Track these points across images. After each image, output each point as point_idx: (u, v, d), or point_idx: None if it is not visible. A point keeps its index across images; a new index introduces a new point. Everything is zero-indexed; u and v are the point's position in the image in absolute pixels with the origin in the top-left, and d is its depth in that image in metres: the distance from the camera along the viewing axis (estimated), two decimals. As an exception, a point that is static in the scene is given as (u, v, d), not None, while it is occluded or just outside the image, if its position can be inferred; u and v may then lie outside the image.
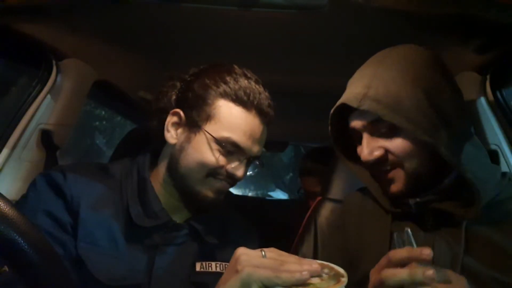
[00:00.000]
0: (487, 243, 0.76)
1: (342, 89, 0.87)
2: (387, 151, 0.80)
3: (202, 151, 0.88)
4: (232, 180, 0.91)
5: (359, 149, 0.85)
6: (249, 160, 0.92)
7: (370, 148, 0.81)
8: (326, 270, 0.65)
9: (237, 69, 0.92)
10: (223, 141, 0.87)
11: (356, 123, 0.83)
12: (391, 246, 0.83)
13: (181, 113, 0.91)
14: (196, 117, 0.89)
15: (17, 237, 0.51)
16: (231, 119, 0.88)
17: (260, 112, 0.90)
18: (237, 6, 0.92)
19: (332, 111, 0.86)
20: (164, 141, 0.93)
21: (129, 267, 0.84)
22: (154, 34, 1.13)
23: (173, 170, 0.91)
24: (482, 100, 1.17)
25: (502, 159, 1.15)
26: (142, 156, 0.97)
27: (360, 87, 0.80)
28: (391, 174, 0.82)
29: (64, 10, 1.00)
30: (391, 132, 0.79)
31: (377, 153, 0.80)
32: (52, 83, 1.20)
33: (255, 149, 0.91)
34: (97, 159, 8.68)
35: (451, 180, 0.81)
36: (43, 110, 1.20)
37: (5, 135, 1.15)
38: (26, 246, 0.52)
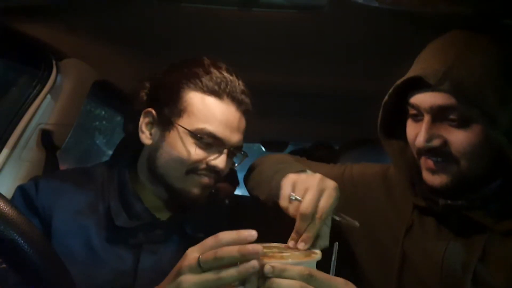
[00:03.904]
0: (508, 257, 0.71)
1: (342, 89, 0.87)
2: (446, 142, 0.71)
3: (178, 147, 0.85)
4: (215, 174, 0.89)
5: (411, 130, 0.77)
6: (230, 151, 0.89)
7: (429, 134, 0.72)
8: (302, 251, 0.66)
9: (206, 60, 0.90)
10: (198, 133, 0.84)
11: (422, 102, 0.73)
12: (405, 236, 0.80)
13: (153, 112, 0.90)
14: (168, 114, 0.87)
15: (17, 237, 0.51)
16: (204, 109, 0.85)
17: (234, 99, 0.88)
18: (237, 6, 0.92)
19: (399, 82, 0.76)
20: (142, 143, 0.92)
21: (113, 270, 0.84)
22: (154, 34, 1.13)
23: (152, 170, 0.90)
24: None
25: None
26: (122, 159, 0.97)
27: (439, 64, 0.70)
28: (439, 166, 0.73)
29: (64, 10, 1.00)
30: (460, 122, 0.70)
31: (436, 142, 0.72)
32: (52, 83, 1.20)
33: (234, 138, 0.88)
34: (97, 159, 8.68)
35: (492, 188, 0.74)
36: (43, 110, 1.19)
37: (5, 135, 1.15)
38: (26, 246, 0.52)
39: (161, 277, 0.79)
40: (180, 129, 0.86)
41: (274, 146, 2.79)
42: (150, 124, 0.91)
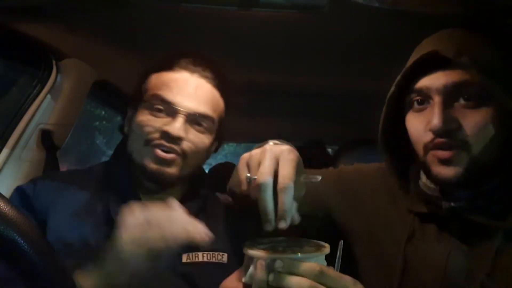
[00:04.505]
0: None
1: (342, 89, 0.86)
2: (461, 126, 0.68)
3: (137, 121, 0.89)
4: (172, 143, 0.86)
5: (416, 122, 0.74)
6: (188, 118, 0.87)
7: (445, 116, 0.68)
8: (310, 244, 0.65)
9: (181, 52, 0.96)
10: (148, 100, 0.89)
11: (433, 82, 0.70)
12: (406, 247, 0.78)
13: (132, 105, 0.96)
14: (135, 98, 0.94)
15: (17, 237, 0.51)
16: (157, 81, 0.91)
17: (186, 68, 0.91)
18: (237, 6, 0.92)
19: (410, 63, 0.73)
20: None
21: None
22: (154, 34, 1.13)
23: (128, 154, 0.92)
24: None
25: None
26: (121, 157, 0.98)
27: (452, 42, 0.69)
28: (450, 155, 0.69)
29: (64, 10, 1.00)
30: (475, 99, 0.68)
31: (453, 125, 0.68)
32: (52, 83, 1.20)
33: (189, 103, 0.88)
34: (97, 159, 8.69)
35: (494, 186, 0.72)
36: (43, 110, 1.19)
37: (5, 135, 1.15)
38: (26, 246, 0.52)
39: (157, 272, 0.79)
40: (140, 106, 0.90)
41: (274, 146, 2.77)
42: (130, 117, 0.96)
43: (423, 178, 0.81)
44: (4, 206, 0.52)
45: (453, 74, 0.68)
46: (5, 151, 1.14)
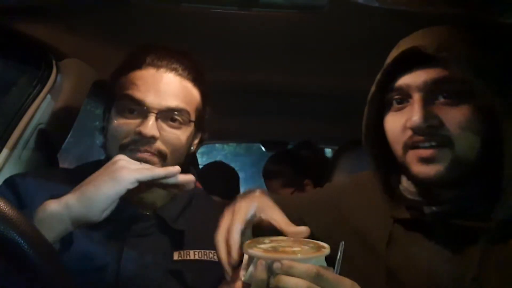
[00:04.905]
0: (507, 269, 0.65)
1: (342, 89, 0.87)
2: (442, 123, 0.67)
3: (111, 124, 0.87)
4: (147, 145, 0.84)
5: (395, 121, 0.73)
6: (160, 115, 0.85)
7: (425, 113, 0.67)
8: (311, 245, 0.65)
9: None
10: (119, 100, 0.87)
11: (413, 80, 0.70)
12: (387, 251, 0.75)
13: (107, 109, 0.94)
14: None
15: (17, 237, 0.51)
16: (126, 82, 0.88)
17: (151, 63, 0.88)
18: (237, 6, 0.92)
19: (389, 61, 0.73)
20: None
21: (95, 263, 0.83)
22: (154, 34, 1.13)
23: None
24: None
25: None
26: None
27: (432, 38, 0.69)
28: (431, 153, 0.68)
29: (64, 10, 1.00)
30: (456, 97, 0.67)
31: (434, 122, 0.67)
32: (52, 83, 1.20)
33: (158, 100, 0.85)
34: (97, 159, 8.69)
35: (478, 186, 0.70)
36: (43, 110, 1.19)
37: (5, 135, 1.15)
38: (26, 246, 0.52)
39: (144, 270, 0.78)
40: (113, 110, 0.88)
41: (274, 146, 2.79)
42: None
43: (404, 182, 0.80)
44: (4, 206, 0.52)
45: (434, 72, 0.68)
46: (5, 151, 1.14)
